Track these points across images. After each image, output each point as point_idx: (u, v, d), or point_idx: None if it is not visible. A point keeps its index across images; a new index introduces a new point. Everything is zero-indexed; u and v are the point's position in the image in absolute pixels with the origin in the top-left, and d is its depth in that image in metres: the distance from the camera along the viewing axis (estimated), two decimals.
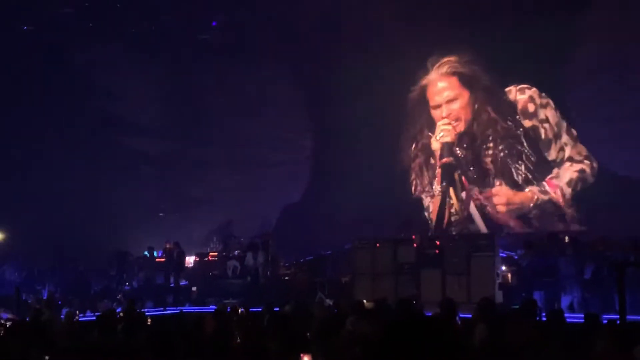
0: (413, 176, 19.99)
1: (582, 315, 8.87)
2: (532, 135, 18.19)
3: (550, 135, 18.01)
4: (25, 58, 20.47)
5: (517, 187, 18.28)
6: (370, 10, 19.33)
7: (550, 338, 6.46)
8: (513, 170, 18.33)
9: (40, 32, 20.70)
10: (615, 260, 12.25)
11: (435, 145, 19.07)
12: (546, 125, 18.05)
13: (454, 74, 18.89)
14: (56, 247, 19.86)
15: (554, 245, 14.49)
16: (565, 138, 17.88)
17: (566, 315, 8.40)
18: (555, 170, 17.96)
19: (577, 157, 17.70)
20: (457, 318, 8.07)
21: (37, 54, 20.58)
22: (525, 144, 18.25)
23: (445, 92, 18.98)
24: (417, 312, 8.49)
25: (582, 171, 17.63)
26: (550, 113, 18.08)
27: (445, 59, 18.89)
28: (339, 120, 20.85)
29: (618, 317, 9.24)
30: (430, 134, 19.46)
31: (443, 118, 18.91)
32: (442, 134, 18.80)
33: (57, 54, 20.92)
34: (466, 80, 18.76)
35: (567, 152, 17.79)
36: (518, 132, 18.33)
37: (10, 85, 20.44)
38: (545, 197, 17.85)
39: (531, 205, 17.94)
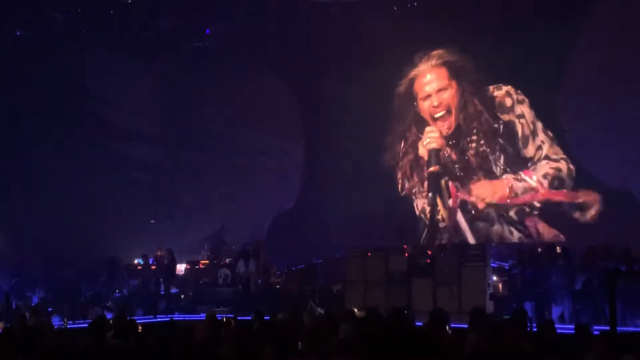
0: (400, 175, 19.92)
1: (573, 326, 8.87)
2: (511, 130, 18.33)
3: (527, 132, 18.17)
4: (18, 63, 20.37)
5: (493, 177, 18.41)
6: (361, 17, 19.34)
7: (541, 348, 6.45)
8: (492, 162, 18.43)
9: (34, 37, 20.64)
10: (606, 270, 12.28)
11: (422, 150, 19.09)
12: (523, 120, 18.24)
13: (443, 64, 19.01)
14: (47, 252, 19.72)
15: (545, 256, 14.53)
16: (542, 137, 18.03)
17: (557, 325, 8.39)
18: (532, 168, 18.08)
19: (554, 157, 17.85)
20: (448, 328, 8.06)
21: (31, 59, 20.48)
22: (504, 137, 18.39)
23: (434, 82, 19.09)
24: (408, 321, 8.48)
25: (558, 169, 17.76)
26: (526, 110, 18.27)
27: (434, 52, 19.00)
28: (331, 127, 20.89)
29: (609, 328, 9.27)
30: (418, 133, 19.45)
31: (432, 108, 18.94)
32: (428, 140, 18.83)
33: (51, 59, 20.83)
34: (454, 71, 18.87)
35: (545, 150, 17.97)
36: (498, 125, 18.44)
37: (1, 91, 20.34)
38: (520, 185, 17.92)
39: (507, 191, 17.98)
